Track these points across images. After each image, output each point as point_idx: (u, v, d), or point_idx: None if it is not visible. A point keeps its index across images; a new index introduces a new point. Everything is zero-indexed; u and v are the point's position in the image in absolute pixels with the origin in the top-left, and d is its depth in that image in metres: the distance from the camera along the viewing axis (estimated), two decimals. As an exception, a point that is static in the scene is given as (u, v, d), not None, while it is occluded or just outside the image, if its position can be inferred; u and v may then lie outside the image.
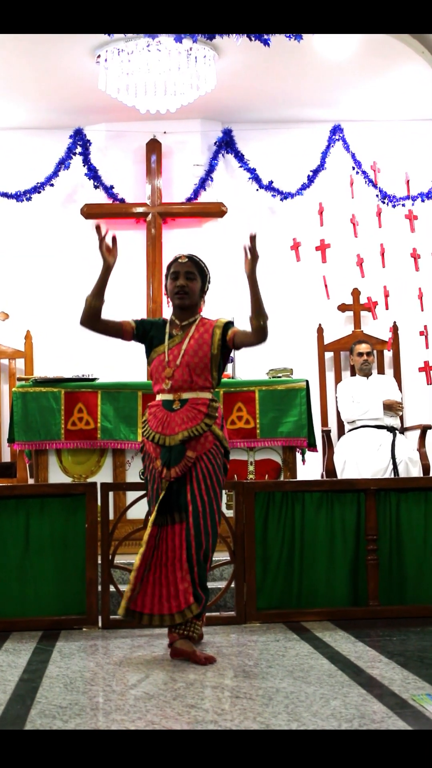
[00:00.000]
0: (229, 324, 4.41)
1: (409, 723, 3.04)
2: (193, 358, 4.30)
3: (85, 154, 8.09)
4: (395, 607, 5.09)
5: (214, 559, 4.47)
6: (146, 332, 4.45)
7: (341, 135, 8.23)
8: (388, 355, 8.16)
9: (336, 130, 8.23)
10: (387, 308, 8.05)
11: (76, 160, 8.11)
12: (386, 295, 8.04)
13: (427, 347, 8.08)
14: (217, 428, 4.29)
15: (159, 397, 4.36)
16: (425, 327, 8.08)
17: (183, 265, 4.39)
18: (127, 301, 8.07)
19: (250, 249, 4.30)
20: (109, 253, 4.38)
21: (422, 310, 8.11)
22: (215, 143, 8.20)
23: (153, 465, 4.29)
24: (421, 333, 8.02)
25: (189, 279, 4.37)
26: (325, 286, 8.08)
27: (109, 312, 8.03)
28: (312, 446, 6.20)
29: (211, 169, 8.15)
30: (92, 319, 4.44)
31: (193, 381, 4.28)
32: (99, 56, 6.79)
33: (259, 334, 4.28)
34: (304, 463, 6.27)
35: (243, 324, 4.44)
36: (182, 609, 4.11)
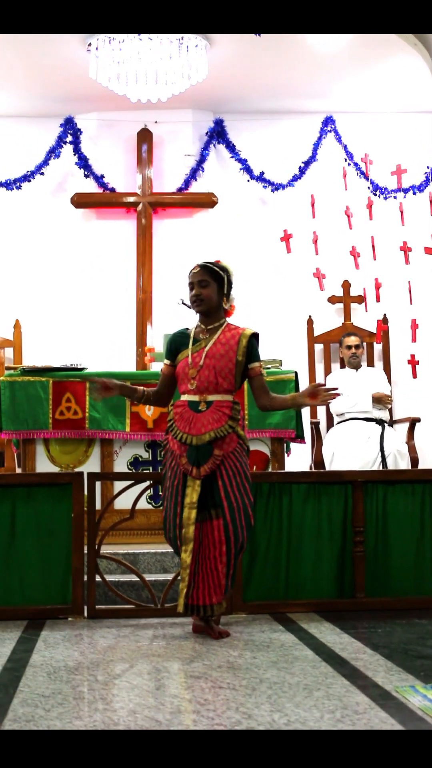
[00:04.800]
0: (254, 336, 4.56)
1: (391, 714, 3.04)
2: (219, 361, 4.47)
3: (76, 143, 8.06)
4: (381, 599, 5.10)
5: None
6: (172, 350, 4.64)
7: (333, 126, 8.21)
8: (377, 347, 8.16)
9: (328, 121, 8.21)
10: (378, 300, 8.06)
11: (67, 149, 8.07)
12: (377, 287, 8.04)
13: (414, 340, 8.08)
14: (240, 429, 4.50)
15: (184, 398, 4.52)
16: (413, 321, 8.08)
17: (195, 275, 4.54)
18: (118, 292, 8.07)
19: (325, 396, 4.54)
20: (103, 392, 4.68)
21: (411, 303, 8.11)
22: (206, 133, 8.17)
23: (176, 462, 4.46)
24: (415, 326, 8.04)
25: (202, 287, 4.52)
26: (319, 278, 8.08)
27: (99, 303, 8.01)
28: (300, 438, 6.19)
29: (202, 159, 8.12)
30: (159, 403, 4.75)
31: (218, 383, 4.46)
32: (90, 44, 6.76)
33: (264, 409, 4.69)
34: (288, 455, 6.26)
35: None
36: (221, 600, 4.41)
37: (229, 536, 4.37)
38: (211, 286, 4.52)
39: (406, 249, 8.12)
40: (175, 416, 4.50)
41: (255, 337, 4.55)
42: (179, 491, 4.43)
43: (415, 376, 8.04)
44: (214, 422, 4.40)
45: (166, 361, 4.67)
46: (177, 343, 4.62)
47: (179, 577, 4.47)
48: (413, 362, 8.05)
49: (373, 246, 8.09)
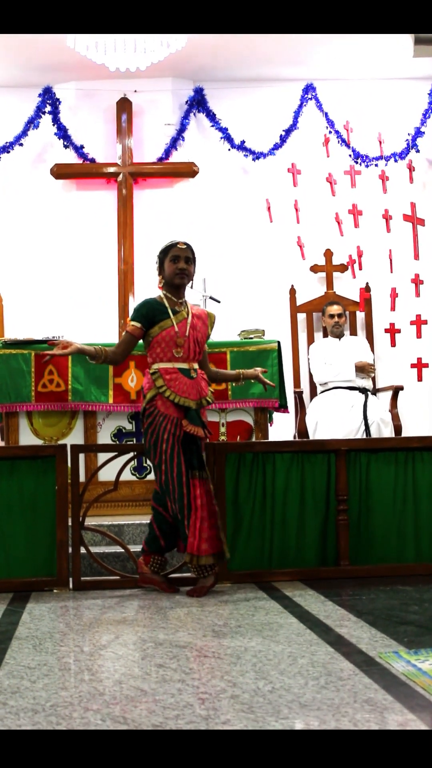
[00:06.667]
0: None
1: (375, 680, 3.06)
2: (198, 333, 4.81)
3: (55, 113, 7.99)
4: (365, 566, 5.13)
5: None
6: (149, 317, 4.76)
7: (314, 94, 8.16)
8: (360, 316, 8.16)
9: (308, 89, 8.16)
10: (360, 269, 8.05)
11: (46, 119, 8.00)
12: (359, 255, 8.04)
13: (392, 309, 8.09)
14: None
15: (170, 365, 4.72)
16: (393, 289, 8.08)
17: (183, 250, 4.81)
18: (99, 263, 8.03)
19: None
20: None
21: (392, 271, 8.11)
22: (186, 102, 8.11)
23: (169, 425, 4.66)
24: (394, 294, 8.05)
25: (188, 263, 4.82)
26: (300, 246, 8.06)
27: (80, 275, 7.95)
28: (283, 407, 6.20)
29: (182, 128, 8.07)
30: (116, 362, 4.88)
31: (197, 352, 4.80)
32: (67, 12, 6.68)
33: (211, 380, 5.01)
34: (272, 425, 6.27)
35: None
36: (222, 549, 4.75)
37: (213, 494, 4.79)
38: (192, 265, 4.86)
39: (387, 217, 8.10)
40: (167, 381, 4.68)
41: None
42: (179, 452, 4.66)
43: (394, 344, 8.05)
44: (204, 389, 4.77)
45: (137, 324, 4.75)
46: (155, 311, 4.76)
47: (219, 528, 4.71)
48: (393, 331, 8.06)
49: (355, 214, 8.07)
